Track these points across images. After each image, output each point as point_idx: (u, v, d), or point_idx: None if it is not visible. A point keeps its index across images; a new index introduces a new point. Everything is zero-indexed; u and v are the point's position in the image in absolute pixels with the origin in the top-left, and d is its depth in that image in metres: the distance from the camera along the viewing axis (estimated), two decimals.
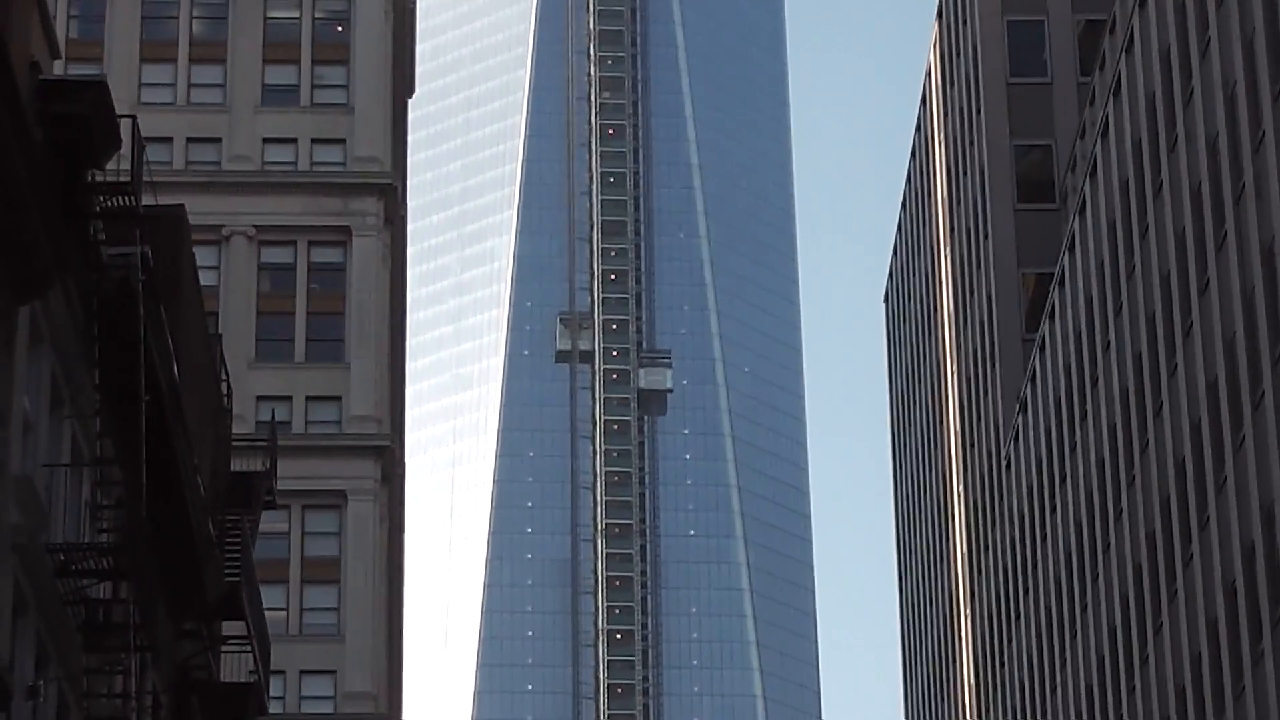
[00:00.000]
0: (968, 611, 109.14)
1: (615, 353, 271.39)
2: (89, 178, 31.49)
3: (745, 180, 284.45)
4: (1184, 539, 67.44)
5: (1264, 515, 59.01)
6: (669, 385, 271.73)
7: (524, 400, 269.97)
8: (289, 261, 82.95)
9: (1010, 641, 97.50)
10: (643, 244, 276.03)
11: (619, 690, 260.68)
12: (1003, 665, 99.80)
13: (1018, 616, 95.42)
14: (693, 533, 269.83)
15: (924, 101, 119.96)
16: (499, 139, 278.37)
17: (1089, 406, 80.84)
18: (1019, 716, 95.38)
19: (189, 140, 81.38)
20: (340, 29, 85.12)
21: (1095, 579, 79.93)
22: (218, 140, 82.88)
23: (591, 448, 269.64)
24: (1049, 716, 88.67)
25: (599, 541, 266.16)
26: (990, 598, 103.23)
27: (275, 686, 66.33)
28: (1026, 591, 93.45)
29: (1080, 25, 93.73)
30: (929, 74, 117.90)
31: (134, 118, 34.22)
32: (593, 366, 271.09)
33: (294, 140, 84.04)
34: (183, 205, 45.50)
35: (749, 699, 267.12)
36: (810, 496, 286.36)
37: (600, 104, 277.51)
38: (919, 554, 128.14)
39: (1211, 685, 64.44)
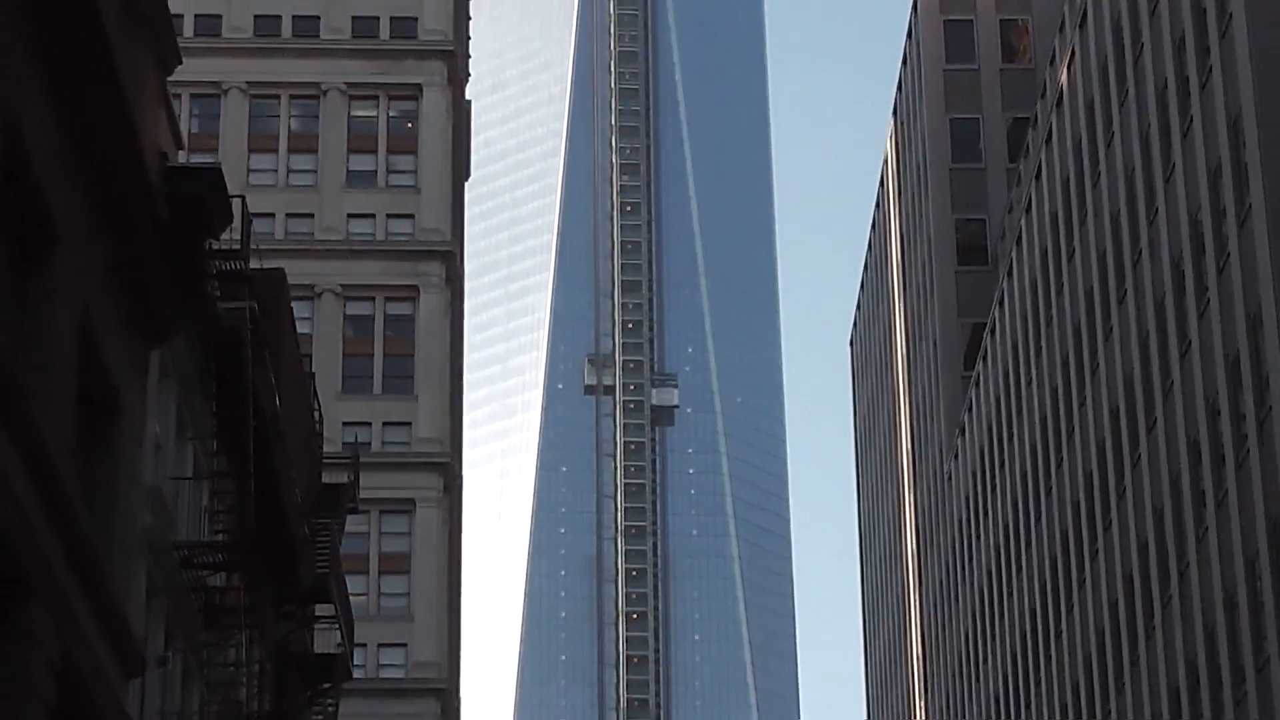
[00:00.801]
0: (916, 594, 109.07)
1: (632, 386, 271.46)
2: (207, 246, 31.56)
3: (737, 247, 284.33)
4: (1090, 534, 67.42)
5: (1156, 516, 59.07)
6: (676, 402, 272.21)
7: (559, 425, 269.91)
8: (369, 314, 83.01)
9: (951, 617, 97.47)
10: (655, 298, 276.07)
11: (635, 660, 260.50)
12: (944, 634, 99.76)
13: (957, 598, 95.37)
14: (695, 533, 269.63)
15: (882, 183, 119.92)
16: (539, 214, 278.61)
17: (1014, 430, 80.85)
18: (958, 673, 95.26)
19: (287, 215, 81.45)
20: (410, 125, 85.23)
21: (1019, 569, 79.91)
22: (310, 215, 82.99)
23: (613, 464, 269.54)
24: (982, 671, 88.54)
25: (619, 540, 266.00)
26: (934, 581, 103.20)
27: (358, 656, 66.38)
28: (963, 579, 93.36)
29: (1009, 121, 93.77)
30: (886, 161, 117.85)
31: (243, 197, 34.32)
32: (614, 397, 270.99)
33: (372, 215, 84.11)
34: (282, 269, 45.59)
35: (740, 665, 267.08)
36: (790, 503, 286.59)
37: (620, 185, 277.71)
38: (878, 547, 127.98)
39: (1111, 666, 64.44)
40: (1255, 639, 49.82)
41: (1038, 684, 76.66)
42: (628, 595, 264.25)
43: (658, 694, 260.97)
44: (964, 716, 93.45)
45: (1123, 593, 63.15)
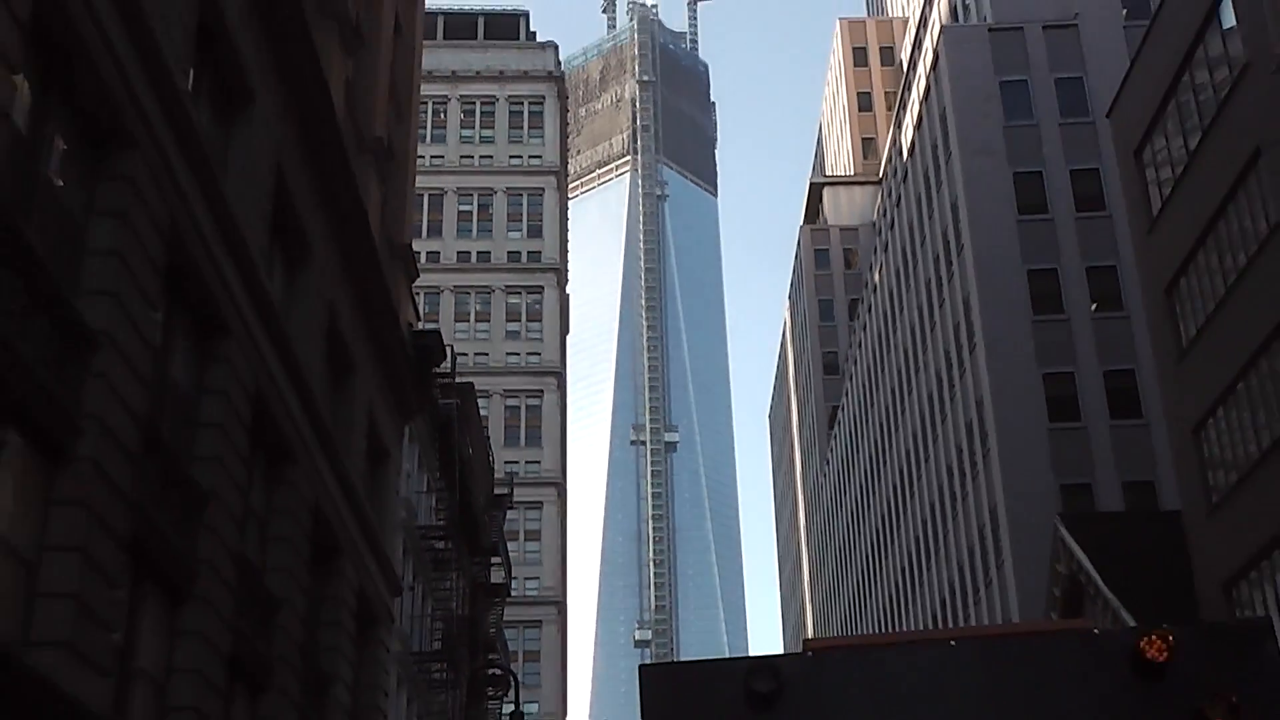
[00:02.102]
0: (805, 547, 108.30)
1: (654, 441, 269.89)
2: (433, 371, 31.71)
3: (708, 370, 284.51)
4: (896, 514, 66.86)
5: (932, 508, 58.58)
6: (677, 439, 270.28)
7: (617, 462, 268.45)
8: (517, 405, 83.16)
9: (823, 557, 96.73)
10: (665, 395, 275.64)
11: (659, 584, 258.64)
12: (819, 566, 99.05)
13: (826, 547, 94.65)
14: (689, 516, 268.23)
15: (783, 334, 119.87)
16: (605, 353, 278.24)
17: (853, 463, 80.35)
18: (831, 585, 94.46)
19: (474, 354, 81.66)
20: (538, 307, 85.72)
21: (857, 533, 79.24)
22: (487, 354, 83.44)
23: (646, 480, 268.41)
24: (840, 585, 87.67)
25: (650, 521, 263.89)
26: (815, 540, 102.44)
27: (514, 585, 66.06)
28: (829, 539, 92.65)
29: (849, 300, 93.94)
30: (785, 323, 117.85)
31: (451, 346, 34.60)
32: (646, 446, 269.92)
33: (519, 354, 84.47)
34: (471, 383, 45.79)
35: (712, 587, 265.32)
36: (738, 500, 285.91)
37: (648, 338, 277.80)
38: (784, 523, 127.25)
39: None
40: (984, 571, 49.37)
41: (869, 594, 75.90)
42: (654, 549, 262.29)
43: (669, 600, 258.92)
44: (832, 609, 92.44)
45: (915, 545, 62.67)
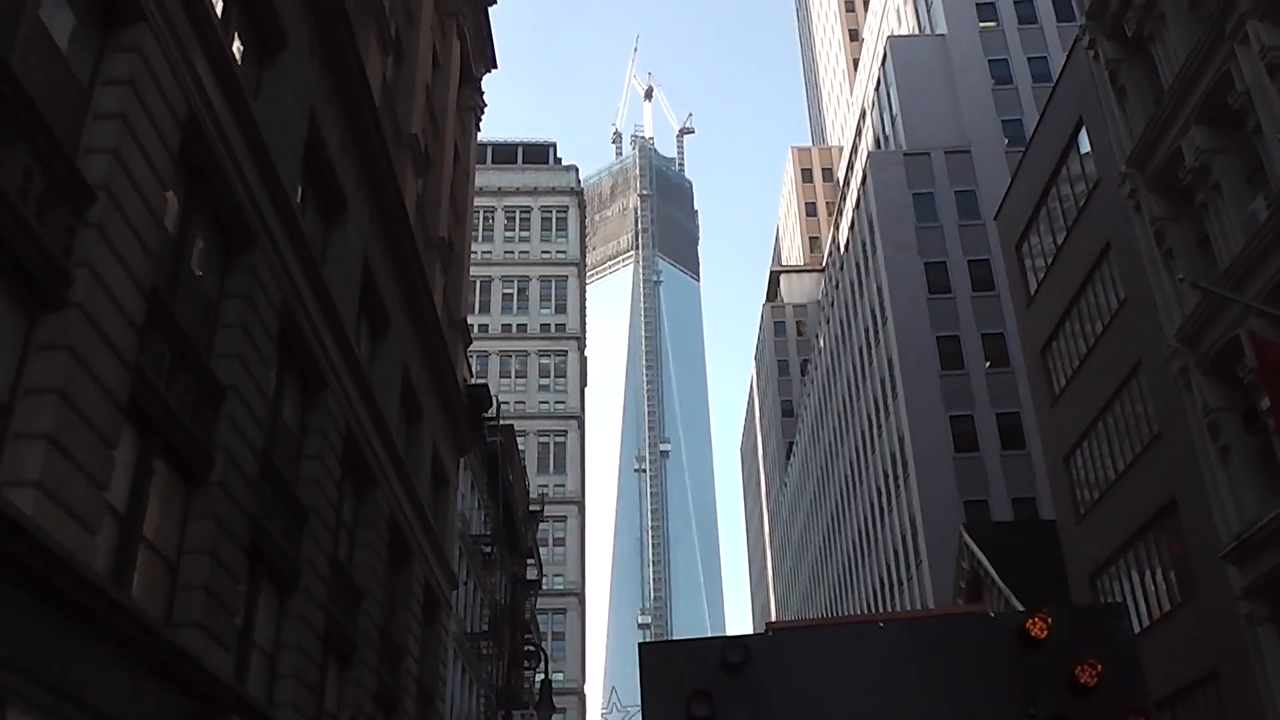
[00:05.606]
0: (769, 546, 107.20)
1: (653, 469, 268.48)
2: (482, 415, 31.55)
3: (692, 409, 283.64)
4: (839, 518, 66.09)
5: (867, 516, 58.01)
6: (670, 448, 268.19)
7: (624, 484, 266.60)
8: (547, 441, 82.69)
9: (783, 554, 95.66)
10: (660, 429, 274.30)
11: (655, 577, 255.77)
12: (780, 561, 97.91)
13: (785, 548, 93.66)
14: (679, 525, 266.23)
15: (750, 387, 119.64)
16: (614, 400, 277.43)
17: (804, 483, 79.72)
18: (789, 575, 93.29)
19: (515, 402, 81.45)
20: (563, 365, 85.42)
21: (809, 536, 78.38)
22: (524, 402, 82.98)
23: (646, 499, 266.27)
24: (797, 574, 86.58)
25: (650, 530, 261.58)
26: (777, 542, 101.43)
27: (545, 580, 65.45)
28: (787, 541, 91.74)
29: (801, 361, 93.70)
30: (751, 378, 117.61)
31: (496, 396, 34.46)
32: (646, 473, 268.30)
33: (549, 402, 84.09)
34: (512, 424, 45.59)
35: (696, 579, 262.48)
36: (717, 507, 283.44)
37: (647, 390, 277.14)
38: (753, 528, 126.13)
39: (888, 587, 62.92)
40: (907, 567, 48.89)
41: (818, 585, 75.04)
42: (653, 552, 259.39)
43: (665, 591, 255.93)
44: (790, 596, 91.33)
45: (854, 547, 61.99)
